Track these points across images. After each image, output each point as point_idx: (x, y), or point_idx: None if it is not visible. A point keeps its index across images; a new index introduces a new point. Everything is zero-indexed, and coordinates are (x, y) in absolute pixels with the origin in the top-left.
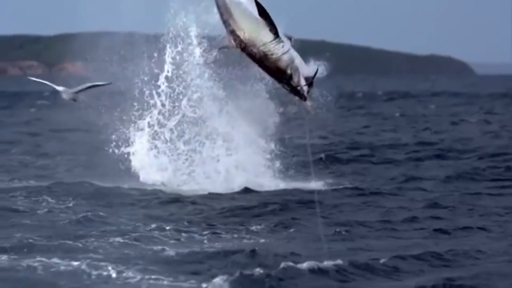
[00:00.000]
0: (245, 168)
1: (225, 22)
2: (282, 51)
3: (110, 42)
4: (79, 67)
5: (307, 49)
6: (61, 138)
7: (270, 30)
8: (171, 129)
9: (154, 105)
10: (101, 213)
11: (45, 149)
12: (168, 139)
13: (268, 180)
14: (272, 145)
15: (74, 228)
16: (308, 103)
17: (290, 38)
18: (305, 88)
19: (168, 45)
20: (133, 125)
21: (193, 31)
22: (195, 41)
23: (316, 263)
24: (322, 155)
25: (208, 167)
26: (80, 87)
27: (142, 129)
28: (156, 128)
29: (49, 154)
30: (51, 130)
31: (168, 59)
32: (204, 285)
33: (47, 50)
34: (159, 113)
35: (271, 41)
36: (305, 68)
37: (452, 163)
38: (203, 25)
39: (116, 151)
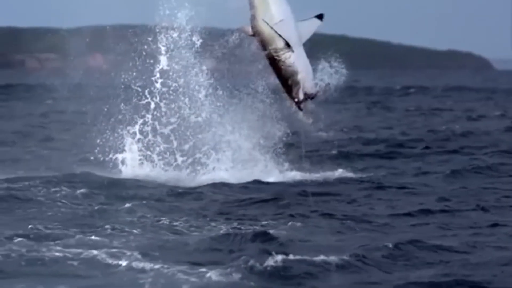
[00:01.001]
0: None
1: (251, 8)
2: (288, 63)
3: (127, 35)
4: (98, 60)
5: (328, 43)
6: (76, 130)
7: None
8: (168, 137)
9: (147, 107)
10: (116, 204)
11: (60, 141)
12: (163, 150)
13: (281, 173)
14: (282, 142)
15: (91, 218)
16: (303, 114)
17: (321, 17)
18: (302, 101)
19: (162, 31)
20: (120, 130)
21: (185, 19)
22: (188, 30)
23: (329, 255)
24: (337, 150)
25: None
26: None
27: (133, 133)
28: (150, 136)
29: (65, 146)
30: (67, 122)
31: (162, 48)
32: (219, 274)
33: (66, 43)
34: (153, 117)
35: (281, 49)
36: (309, 83)
37: (466, 158)
38: (195, 16)
39: (101, 158)
